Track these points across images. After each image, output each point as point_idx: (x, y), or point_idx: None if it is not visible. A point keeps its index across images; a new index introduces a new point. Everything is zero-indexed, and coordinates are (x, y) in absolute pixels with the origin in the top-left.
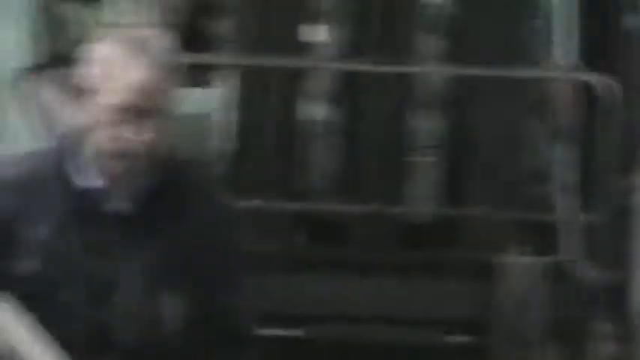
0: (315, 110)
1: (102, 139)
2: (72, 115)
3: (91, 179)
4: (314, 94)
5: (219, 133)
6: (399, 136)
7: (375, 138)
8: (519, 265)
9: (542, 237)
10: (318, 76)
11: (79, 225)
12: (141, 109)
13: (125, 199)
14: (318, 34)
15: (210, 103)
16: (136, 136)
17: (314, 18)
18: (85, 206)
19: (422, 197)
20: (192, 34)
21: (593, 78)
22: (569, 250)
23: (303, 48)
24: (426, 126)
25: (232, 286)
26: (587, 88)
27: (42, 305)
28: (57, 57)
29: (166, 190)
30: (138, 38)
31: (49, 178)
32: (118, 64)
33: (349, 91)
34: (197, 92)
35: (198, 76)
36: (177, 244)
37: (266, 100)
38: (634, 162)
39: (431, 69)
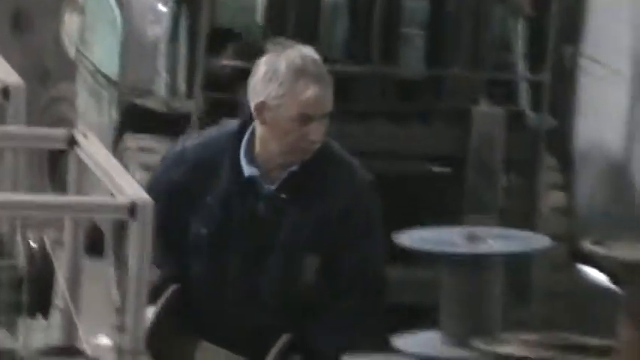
0: None
1: (291, 140)
2: None
3: (253, 168)
4: None
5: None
6: (396, 13)
7: (377, 15)
8: (488, 113)
9: (505, 92)
10: None
11: (239, 202)
12: (320, 116)
13: (277, 183)
14: None
15: None
16: (317, 137)
17: None
18: (245, 189)
19: (413, 60)
20: None
21: None
22: (526, 102)
23: None
24: (417, 5)
25: (365, 243)
26: None
27: (204, 263)
28: None
29: (306, 172)
30: (306, 56)
31: (222, 161)
32: (298, 78)
33: None
34: None
35: None
36: (317, 215)
37: None
38: (578, 34)
39: None
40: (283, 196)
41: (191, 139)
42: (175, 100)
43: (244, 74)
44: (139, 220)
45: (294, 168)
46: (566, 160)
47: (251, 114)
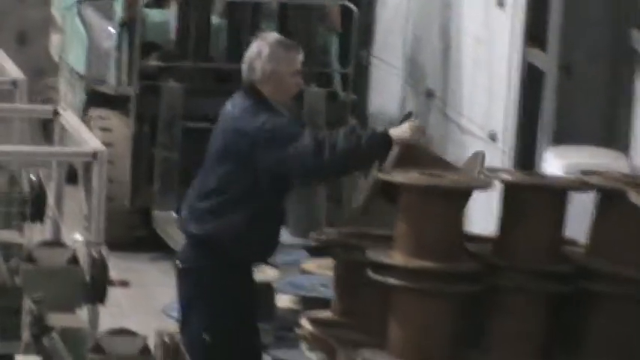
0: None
1: (291, 88)
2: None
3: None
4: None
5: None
6: (256, 29)
7: (246, 29)
8: (315, 92)
9: (326, 79)
10: None
11: None
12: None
13: None
14: None
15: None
16: (301, 83)
17: None
18: None
19: None
20: None
21: (348, 3)
22: (338, 85)
23: None
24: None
25: None
26: (344, 8)
27: None
28: None
29: None
30: (281, 37)
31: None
32: (289, 51)
33: None
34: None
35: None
36: None
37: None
38: (369, 42)
39: None
40: None
41: (257, 118)
42: (121, 87)
43: (164, 70)
44: (98, 162)
45: None
46: (362, 121)
47: (250, 84)
